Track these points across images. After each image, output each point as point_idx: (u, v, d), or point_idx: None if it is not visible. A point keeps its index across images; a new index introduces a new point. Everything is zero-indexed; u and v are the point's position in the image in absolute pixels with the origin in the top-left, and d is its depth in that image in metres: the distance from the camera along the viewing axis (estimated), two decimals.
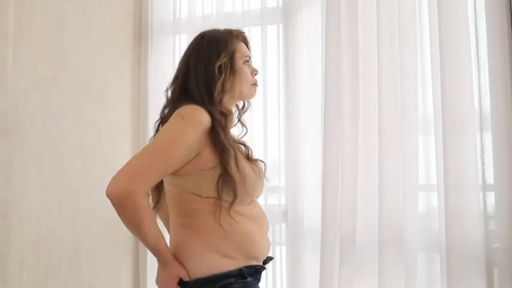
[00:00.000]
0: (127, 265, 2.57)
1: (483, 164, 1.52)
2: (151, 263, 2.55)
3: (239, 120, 1.55)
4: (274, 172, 2.32)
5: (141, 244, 2.60)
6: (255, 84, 1.52)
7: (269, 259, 1.49)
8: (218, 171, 1.33)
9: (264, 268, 1.43)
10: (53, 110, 2.14)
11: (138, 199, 1.24)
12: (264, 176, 1.47)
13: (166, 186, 1.45)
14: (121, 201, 1.23)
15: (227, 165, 1.33)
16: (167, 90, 1.51)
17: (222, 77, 1.41)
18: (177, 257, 1.36)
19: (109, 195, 1.23)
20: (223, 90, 1.41)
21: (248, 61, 1.50)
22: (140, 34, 2.71)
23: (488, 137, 1.51)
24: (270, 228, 1.52)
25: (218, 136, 1.34)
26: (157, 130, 1.47)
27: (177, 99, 1.44)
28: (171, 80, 1.51)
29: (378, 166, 1.74)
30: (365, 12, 1.83)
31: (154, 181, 1.31)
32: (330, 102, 1.88)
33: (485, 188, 1.51)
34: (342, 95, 1.84)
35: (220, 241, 1.34)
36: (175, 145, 1.30)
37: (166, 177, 1.41)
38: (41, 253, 2.06)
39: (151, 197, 1.53)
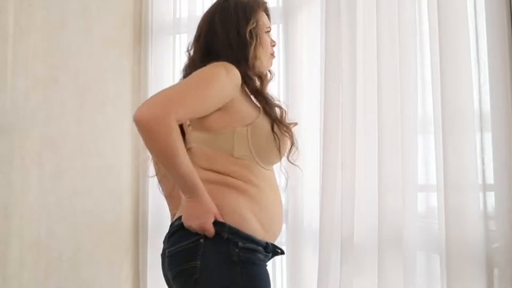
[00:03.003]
0: (127, 265, 2.57)
1: (483, 164, 1.52)
2: (151, 263, 2.55)
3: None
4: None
5: (141, 244, 2.60)
6: (272, 55, 1.51)
7: (280, 251, 1.42)
8: (250, 129, 1.32)
9: (283, 253, 1.40)
10: (53, 110, 2.14)
11: (171, 124, 1.18)
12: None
13: (195, 144, 1.39)
14: (152, 125, 1.17)
15: (273, 113, 1.34)
16: (188, 50, 1.49)
17: (254, 42, 1.40)
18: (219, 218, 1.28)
19: (138, 119, 1.17)
20: (255, 56, 1.40)
21: (268, 32, 1.48)
22: (140, 34, 2.71)
23: (488, 137, 1.51)
24: None
25: (254, 87, 1.35)
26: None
27: (202, 60, 1.40)
28: (192, 40, 1.48)
29: (377, 166, 1.74)
30: (365, 12, 1.83)
31: (185, 115, 1.27)
32: (329, 102, 1.88)
33: (485, 188, 1.51)
34: (341, 95, 1.84)
35: (254, 205, 1.31)
36: (210, 84, 1.28)
37: (196, 135, 1.37)
38: (41, 253, 2.06)
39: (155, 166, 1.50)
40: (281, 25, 2.41)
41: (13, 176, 1.94)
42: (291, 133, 1.40)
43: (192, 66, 1.43)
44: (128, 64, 2.65)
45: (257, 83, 1.41)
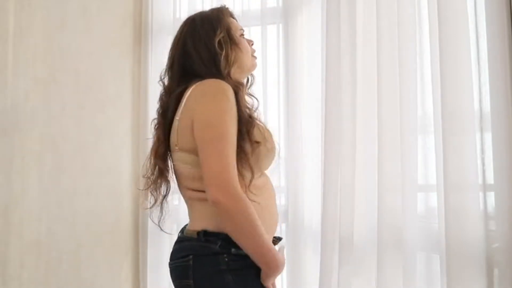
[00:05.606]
0: (127, 265, 2.57)
1: (483, 164, 1.52)
2: (151, 263, 2.55)
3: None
4: (274, 172, 2.32)
5: (141, 244, 2.60)
6: (253, 55, 1.54)
7: (277, 239, 1.45)
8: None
9: (280, 238, 1.42)
10: (53, 110, 2.14)
11: (242, 195, 1.24)
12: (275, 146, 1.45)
13: (182, 164, 1.38)
14: (232, 203, 1.22)
15: (251, 135, 1.33)
16: (161, 79, 1.50)
17: (224, 51, 1.41)
18: (213, 228, 1.32)
19: (219, 202, 1.22)
20: (228, 63, 1.41)
21: (243, 34, 1.52)
22: (140, 34, 2.71)
23: (488, 137, 1.51)
24: None
25: (240, 107, 1.34)
26: (162, 118, 1.44)
27: (180, 81, 1.42)
28: (165, 69, 1.50)
29: (377, 166, 1.74)
30: (365, 12, 1.83)
31: (235, 168, 1.29)
32: (330, 102, 1.88)
33: (485, 188, 1.51)
34: (342, 95, 1.84)
35: None
36: (230, 126, 1.29)
37: (184, 156, 1.36)
38: (41, 253, 2.06)
39: (153, 194, 1.51)
40: (281, 25, 2.41)
41: (13, 176, 1.94)
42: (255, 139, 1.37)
43: (168, 94, 1.45)
44: (128, 64, 2.65)
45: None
